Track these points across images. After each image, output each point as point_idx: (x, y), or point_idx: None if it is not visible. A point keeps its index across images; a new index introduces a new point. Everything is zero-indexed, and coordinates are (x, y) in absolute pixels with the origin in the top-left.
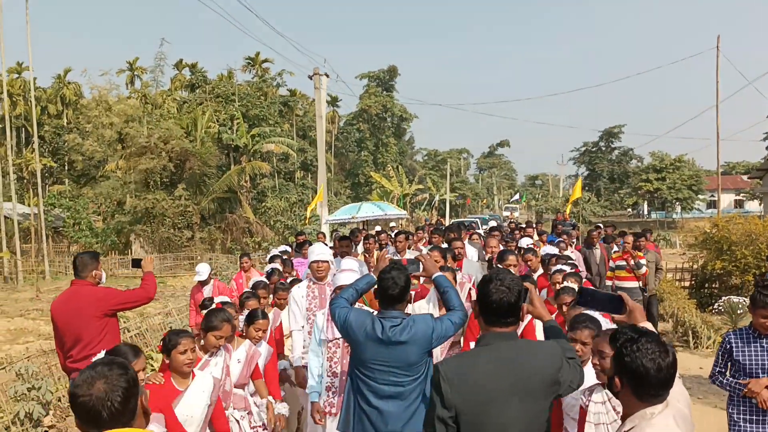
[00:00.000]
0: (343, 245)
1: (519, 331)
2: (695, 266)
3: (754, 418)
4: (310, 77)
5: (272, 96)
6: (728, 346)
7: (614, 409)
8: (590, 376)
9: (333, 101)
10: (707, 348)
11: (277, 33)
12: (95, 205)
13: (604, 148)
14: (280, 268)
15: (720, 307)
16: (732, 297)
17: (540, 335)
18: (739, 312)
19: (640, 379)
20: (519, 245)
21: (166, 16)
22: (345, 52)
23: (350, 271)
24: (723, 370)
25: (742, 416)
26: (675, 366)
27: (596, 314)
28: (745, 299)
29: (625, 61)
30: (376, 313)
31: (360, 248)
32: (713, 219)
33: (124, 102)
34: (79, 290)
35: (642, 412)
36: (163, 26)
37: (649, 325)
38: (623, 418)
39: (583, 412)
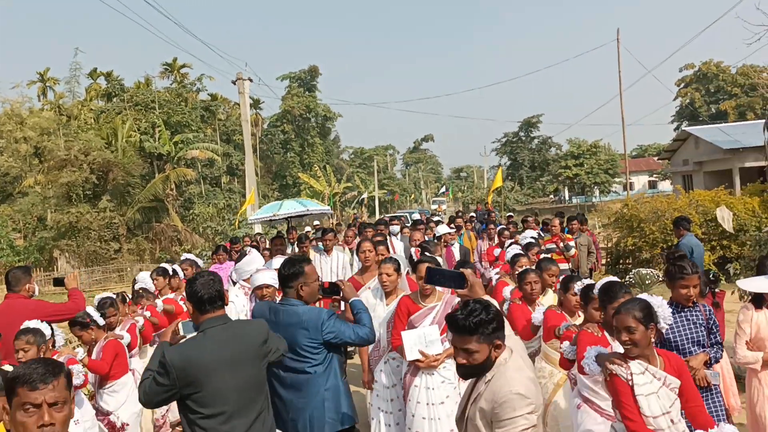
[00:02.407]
0: (277, 243)
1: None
2: (610, 244)
3: None
4: (234, 82)
5: (193, 101)
6: None
7: (655, 377)
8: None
9: (255, 104)
10: None
11: (197, 38)
12: (14, 223)
13: (524, 138)
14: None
15: (631, 279)
16: (641, 269)
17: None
18: (647, 282)
19: None
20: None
21: (76, 23)
22: (265, 54)
23: (266, 270)
24: None
25: None
26: (495, 319)
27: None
28: (653, 271)
29: (537, 55)
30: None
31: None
32: (624, 200)
33: (38, 115)
34: (13, 303)
35: (498, 361)
36: (75, 35)
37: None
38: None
39: (629, 388)
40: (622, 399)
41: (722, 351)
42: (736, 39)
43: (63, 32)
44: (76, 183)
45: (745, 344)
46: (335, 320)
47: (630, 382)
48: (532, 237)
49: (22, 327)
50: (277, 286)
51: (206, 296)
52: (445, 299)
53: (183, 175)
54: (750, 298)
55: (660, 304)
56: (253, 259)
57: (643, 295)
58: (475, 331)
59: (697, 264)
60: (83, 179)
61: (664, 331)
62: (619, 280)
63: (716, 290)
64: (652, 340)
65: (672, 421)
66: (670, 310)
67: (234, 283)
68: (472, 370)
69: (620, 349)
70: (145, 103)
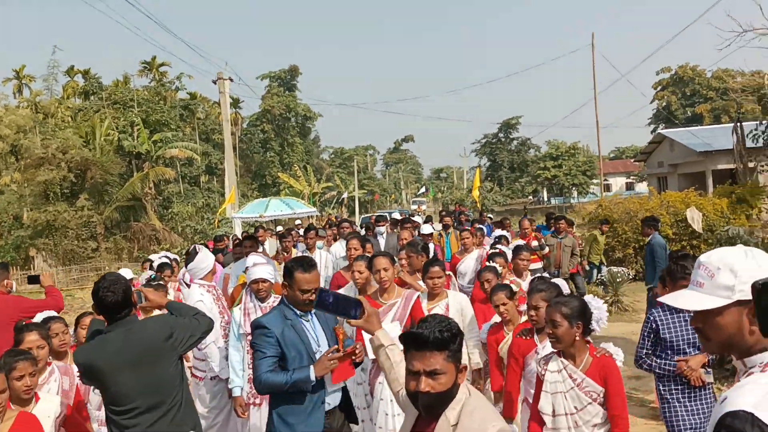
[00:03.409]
0: (248, 245)
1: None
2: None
3: (688, 394)
4: (215, 82)
5: (172, 100)
6: (654, 325)
7: (570, 377)
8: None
9: (235, 103)
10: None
11: (177, 37)
12: None
13: (503, 139)
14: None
15: (602, 278)
16: (612, 268)
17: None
18: (618, 280)
19: None
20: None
21: (53, 21)
22: (244, 53)
23: (263, 264)
24: (650, 351)
25: (674, 395)
26: (459, 335)
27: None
28: (625, 269)
29: (516, 57)
30: None
31: (267, 247)
32: (599, 201)
33: (14, 112)
34: None
35: (459, 394)
36: (51, 32)
37: (385, 334)
38: None
39: (540, 381)
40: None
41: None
42: (711, 43)
43: (39, 29)
44: (54, 181)
45: None
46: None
47: (541, 377)
48: (500, 236)
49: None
50: (273, 280)
51: (110, 301)
52: (404, 295)
53: (162, 174)
54: None
55: (598, 306)
56: (205, 256)
57: (587, 297)
58: (444, 346)
59: (663, 263)
60: (61, 177)
61: (595, 327)
62: (546, 278)
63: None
64: (577, 338)
65: (576, 423)
66: (662, 310)
67: (188, 285)
68: (438, 401)
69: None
70: (124, 101)
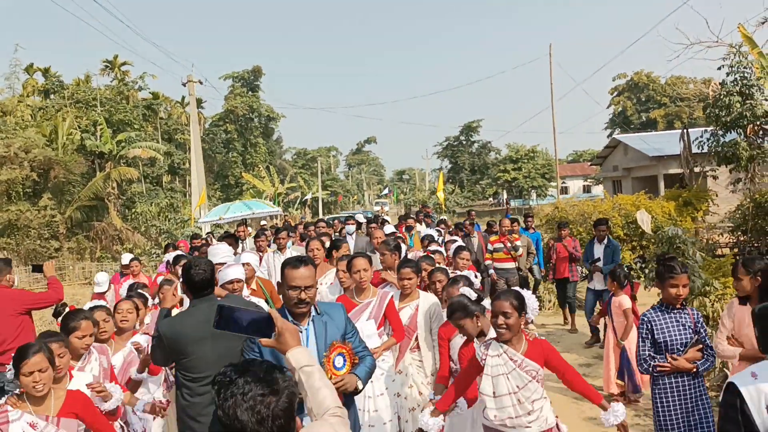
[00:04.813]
0: (228, 243)
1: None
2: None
3: (679, 396)
4: (184, 84)
5: (134, 100)
6: (649, 326)
7: (511, 360)
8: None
9: (197, 103)
10: (548, 309)
11: (141, 37)
12: None
13: (464, 142)
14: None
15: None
16: None
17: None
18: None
19: None
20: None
21: (10, 17)
22: (207, 52)
23: (235, 264)
24: (651, 353)
25: (668, 395)
26: (286, 413)
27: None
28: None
29: (478, 64)
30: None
31: (248, 245)
32: (555, 203)
33: None
34: None
35: None
36: (8, 29)
37: (302, 353)
38: None
39: (479, 366)
40: (457, 377)
41: (714, 358)
42: (665, 52)
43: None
44: (16, 181)
45: (726, 339)
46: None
47: (483, 361)
48: (429, 234)
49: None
50: (244, 279)
51: (198, 281)
52: (379, 294)
53: (125, 173)
54: (736, 295)
55: (529, 296)
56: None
57: (520, 290)
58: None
59: (618, 261)
60: (23, 177)
61: (530, 316)
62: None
63: (633, 282)
64: (522, 326)
65: (518, 400)
66: (655, 311)
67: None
68: None
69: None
70: (86, 100)
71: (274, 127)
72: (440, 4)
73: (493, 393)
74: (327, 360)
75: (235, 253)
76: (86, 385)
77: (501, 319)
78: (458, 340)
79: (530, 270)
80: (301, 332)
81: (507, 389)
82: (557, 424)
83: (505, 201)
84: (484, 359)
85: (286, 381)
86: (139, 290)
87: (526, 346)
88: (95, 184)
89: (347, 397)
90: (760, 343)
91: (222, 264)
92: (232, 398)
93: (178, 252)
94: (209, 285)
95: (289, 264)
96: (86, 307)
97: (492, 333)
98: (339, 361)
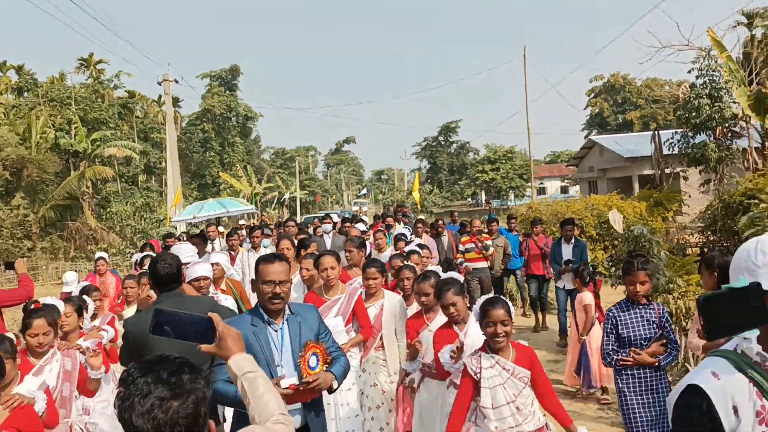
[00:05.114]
0: (195, 242)
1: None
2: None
3: (644, 388)
4: (160, 83)
5: (110, 98)
6: (614, 321)
7: (504, 369)
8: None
9: (174, 102)
10: (520, 308)
11: (117, 36)
12: None
13: (443, 143)
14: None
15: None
16: None
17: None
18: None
19: None
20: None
21: None
22: (185, 51)
23: (202, 262)
24: (615, 347)
25: (631, 388)
26: (189, 420)
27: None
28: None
29: (454, 66)
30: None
31: (217, 245)
32: (528, 203)
33: None
34: None
35: None
36: None
37: (244, 360)
38: None
39: (474, 381)
40: (459, 394)
41: (678, 353)
42: (638, 54)
43: None
44: None
45: (696, 332)
46: None
47: (477, 376)
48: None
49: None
50: (212, 277)
51: (163, 275)
52: (348, 291)
53: (100, 173)
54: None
55: (507, 300)
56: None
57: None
58: None
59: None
60: None
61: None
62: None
63: (596, 280)
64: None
65: (517, 408)
66: (618, 308)
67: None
68: None
69: (475, 341)
70: (61, 98)
71: (252, 127)
72: (416, 5)
73: (491, 405)
74: (302, 360)
75: (202, 253)
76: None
77: (500, 328)
78: (426, 333)
79: (514, 274)
80: (276, 331)
81: (505, 399)
82: (546, 424)
83: (486, 201)
84: (479, 373)
85: (194, 383)
86: (84, 294)
87: (514, 353)
88: (69, 183)
89: (317, 399)
90: (706, 330)
91: (197, 279)
92: (129, 400)
93: (147, 252)
94: (175, 279)
95: (264, 260)
96: (48, 300)
97: (475, 342)
98: (313, 361)
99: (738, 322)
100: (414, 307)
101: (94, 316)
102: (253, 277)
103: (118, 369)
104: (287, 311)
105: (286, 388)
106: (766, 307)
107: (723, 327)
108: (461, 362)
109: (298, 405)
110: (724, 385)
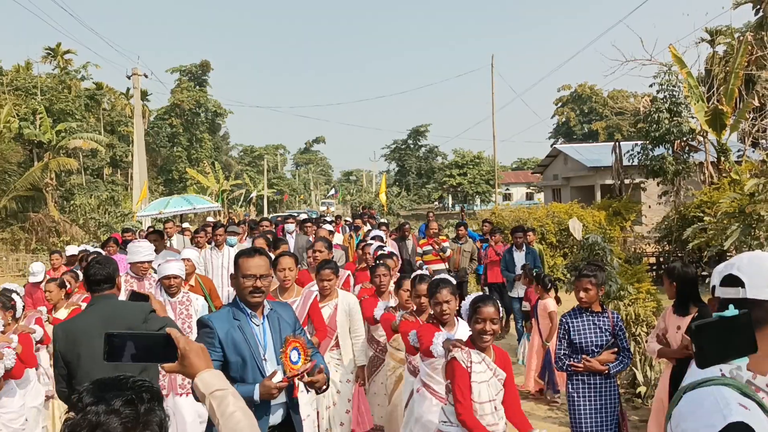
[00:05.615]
0: (152, 239)
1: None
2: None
3: (593, 395)
4: (129, 77)
5: (77, 89)
6: (566, 327)
7: (488, 368)
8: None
9: (142, 95)
10: None
11: (85, 27)
12: None
13: (412, 146)
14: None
15: None
16: None
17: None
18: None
19: None
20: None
21: None
22: (154, 45)
23: (174, 260)
24: (567, 352)
25: (581, 393)
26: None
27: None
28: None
29: (423, 71)
30: None
31: (175, 242)
32: (492, 209)
33: None
34: None
35: None
36: None
37: (212, 376)
38: None
39: (467, 374)
40: (458, 382)
41: (629, 360)
42: (603, 67)
43: None
44: None
45: (656, 336)
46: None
47: (469, 369)
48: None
49: None
50: (184, 276)
51: (96, 277)
52: (303, 294)
53: (64, 164)
54: (673, 303)
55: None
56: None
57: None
58: None
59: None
60: None
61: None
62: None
63: (557, 286)
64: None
65: (495, 407)
66: (571, 316)
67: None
68: None
69: (460, 334)
70: (26, 88)
71: (221, 123)
72: (387, 9)
73: (477, 400)
74: (284, 355)
75: (159, 250)
76: None
77: (489, 326)
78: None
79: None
80: (258, 326)
81: (488, 396)
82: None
83: (461, 210)
84: (470, 366)
85: (150, 414)
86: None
87: (494, 354)
88: (32, 174)
89: (295, 407)
90: (697, 358)
91: (143, 262)
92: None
93: (84, 246)
94: (106, 281)
95: (245, 254)
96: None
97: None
98: (294, 356)
99: (728, 352)
100: (391, 303)
101: (23, 316)
102: (213, 277)
103: (32, 375)
104: (267, 307)
105: (280, 381)
106: (754, 337)
107: (713, 355)
108: (451, 354)
109: (282, 399)
110: (753, 414)
